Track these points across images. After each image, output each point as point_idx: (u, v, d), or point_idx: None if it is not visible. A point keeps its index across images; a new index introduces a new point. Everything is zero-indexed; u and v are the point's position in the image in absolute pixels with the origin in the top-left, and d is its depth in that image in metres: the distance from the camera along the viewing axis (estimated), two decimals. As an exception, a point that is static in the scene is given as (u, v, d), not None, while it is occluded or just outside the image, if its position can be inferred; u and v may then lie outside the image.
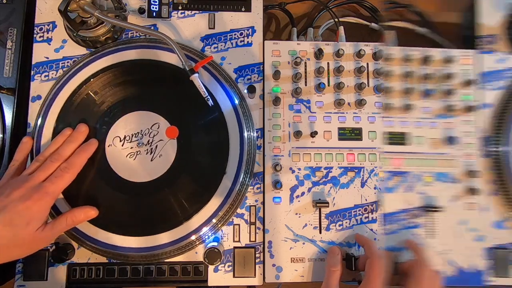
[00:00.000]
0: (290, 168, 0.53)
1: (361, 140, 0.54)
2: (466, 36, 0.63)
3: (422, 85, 0.56)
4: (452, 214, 0.53)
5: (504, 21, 0.58)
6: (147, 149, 0.50)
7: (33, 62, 0.54)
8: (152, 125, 0.51)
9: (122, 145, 0.51)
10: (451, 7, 0.72)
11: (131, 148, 0.50)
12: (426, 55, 0.56)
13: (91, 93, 0.52)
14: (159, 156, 0.50)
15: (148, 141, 0.50)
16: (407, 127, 0.55)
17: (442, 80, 0.56)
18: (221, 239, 0.52)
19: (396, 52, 0.56)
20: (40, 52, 0.54)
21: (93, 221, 0.49)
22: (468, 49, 0.57)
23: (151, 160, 0.50)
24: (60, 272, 0.50)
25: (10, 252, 0.43)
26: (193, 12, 0.57)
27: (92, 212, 0.48)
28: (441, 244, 0.52)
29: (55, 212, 0.49)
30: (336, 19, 0.62)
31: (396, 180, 0.53)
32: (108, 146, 0.51)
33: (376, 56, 0.55)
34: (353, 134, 0.54)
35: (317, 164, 0.53)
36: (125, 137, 0.51)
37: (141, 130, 0.51)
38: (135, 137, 0.51)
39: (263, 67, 0.55)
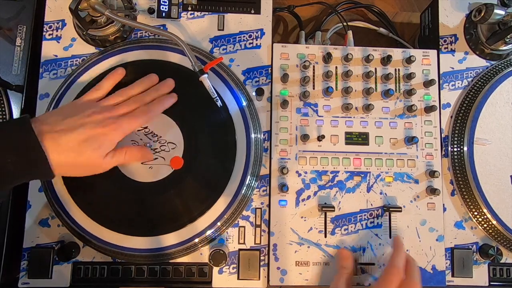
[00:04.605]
0: (297, 172, 0.53)
1: (368, 145, 0.54)
2: (425, 36, 0.63)
3: (382, 85, 0.56)
4: (412, 214, 0.53)
5: (463, 21, 0.59)
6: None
7: (42, 60, 0.54)
8: (169, 143, 0.50)
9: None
10: (410, 7, 0.72)
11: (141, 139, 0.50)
12: (386, 55, 0.55)
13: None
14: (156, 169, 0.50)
15: (156, 149, 0.50)
16: (367, 127, 0.55)
17: (402, 80, 0.56)
18: (226, 241, 0.52)
19: (356, 52, 0.56)
20: (49, 50, 0.54)
21: (98, 220, 0.49)
22: (428, 49, 0.57)
23: (150, 168, 0.50)
24: (64, 271, 0.50)
25: (74, 168, 0.44)
26: (203, 13, 0.57)
27: (150, 156, 0.49)
28: None
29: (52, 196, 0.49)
30: (344, 23, 0.62)
31: (356, 180, 0.53)
32: None
33: (384, 61, 0.55)
34: (360, 138, 0.54)
35: (323, 168, 0.53)
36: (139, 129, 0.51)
37: (158, 135, 0.51)
38: (152, 135, 0.51)
39: (272, 69, 0.56)
